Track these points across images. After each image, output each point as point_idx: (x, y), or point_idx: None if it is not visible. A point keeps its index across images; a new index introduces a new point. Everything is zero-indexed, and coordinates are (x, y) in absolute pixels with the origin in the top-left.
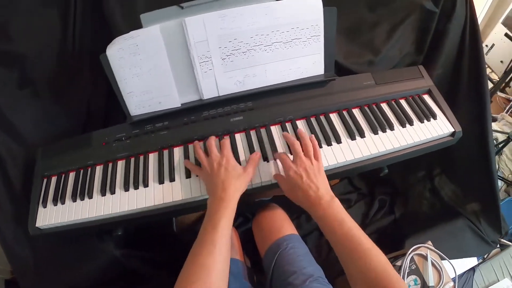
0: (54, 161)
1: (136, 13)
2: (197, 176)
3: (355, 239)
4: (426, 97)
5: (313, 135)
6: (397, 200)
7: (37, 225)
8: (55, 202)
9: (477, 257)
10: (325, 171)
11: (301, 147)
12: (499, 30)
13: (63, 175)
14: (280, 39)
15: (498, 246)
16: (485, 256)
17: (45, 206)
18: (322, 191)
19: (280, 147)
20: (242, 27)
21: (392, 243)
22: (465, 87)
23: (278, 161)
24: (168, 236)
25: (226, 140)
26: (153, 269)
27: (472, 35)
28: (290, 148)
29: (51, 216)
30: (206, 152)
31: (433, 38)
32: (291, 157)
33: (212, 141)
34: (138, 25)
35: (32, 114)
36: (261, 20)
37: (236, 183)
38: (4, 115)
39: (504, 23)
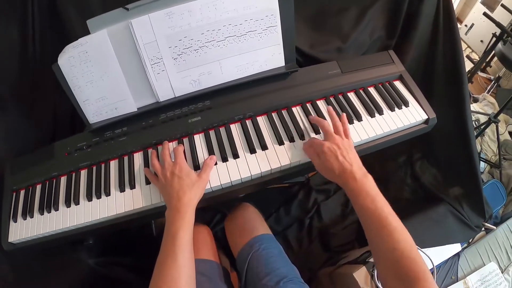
0: (22, 175)
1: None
2: None
3: (386, 217)
4: (397, 84)
5: (344, 114)
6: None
7: (10, 240)
8: (24, 216)
9: (461, 243)
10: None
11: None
12: (478, 9)
13: (31, 188)
14: (233, 33)
15: (483, 229)
16: (470, 241)
17: (15, 221)
18: (356, 166)
19: (240, 147)
20: (191, 24)
21: None
22: (441, 70)
23: (238, 160)
24: (148, 240)
25: (179, 147)
26: (134, 275)
27: (446, 15)
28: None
29: (21, 230)
30: None
31: (405, 21)
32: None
33: (166, 150)
34: None
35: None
36: (211, 15)
37: (191, 191)
38: None
39: (483, 2)
